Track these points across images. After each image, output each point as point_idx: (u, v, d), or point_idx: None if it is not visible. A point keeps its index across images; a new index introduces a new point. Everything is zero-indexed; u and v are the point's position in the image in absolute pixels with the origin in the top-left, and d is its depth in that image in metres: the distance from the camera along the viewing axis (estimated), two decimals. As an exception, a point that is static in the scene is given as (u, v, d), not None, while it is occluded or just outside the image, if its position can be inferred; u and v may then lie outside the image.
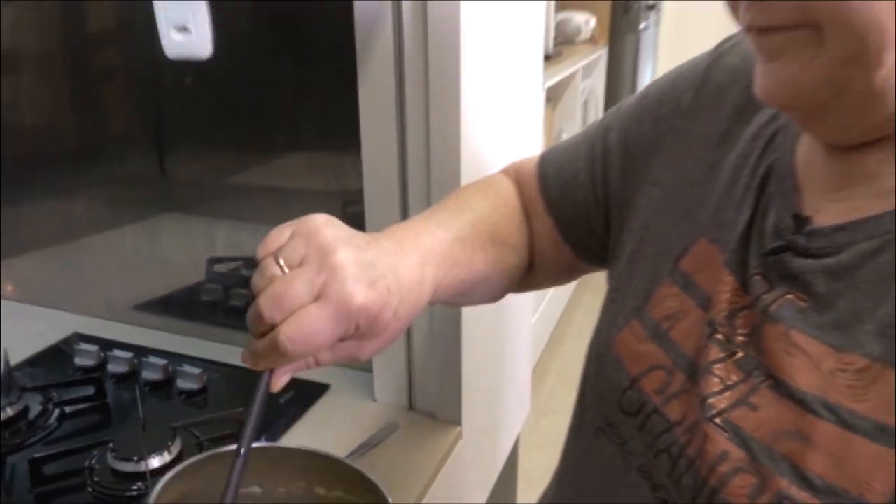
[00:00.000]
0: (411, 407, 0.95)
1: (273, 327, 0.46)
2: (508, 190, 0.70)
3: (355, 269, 0.46)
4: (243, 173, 1.17)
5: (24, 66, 1.17)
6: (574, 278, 0.74)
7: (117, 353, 1.01)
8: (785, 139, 0.51)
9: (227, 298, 1.13)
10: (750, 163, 0.52)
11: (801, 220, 0.46)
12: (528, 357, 1.37)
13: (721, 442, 0.44)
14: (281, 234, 0.49)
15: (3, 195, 1.18)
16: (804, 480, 0.39)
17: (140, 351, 1.03)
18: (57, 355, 1.06)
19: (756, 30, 0.43)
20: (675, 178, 0.57)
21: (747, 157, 0.52)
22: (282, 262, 0.47)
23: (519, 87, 1.07)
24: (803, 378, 0.42)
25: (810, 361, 0.42)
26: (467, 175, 0.83)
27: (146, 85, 1.14)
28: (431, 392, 0.93)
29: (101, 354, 1.01)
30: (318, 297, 0.46)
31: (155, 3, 0.73)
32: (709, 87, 0.58)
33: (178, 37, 0.70)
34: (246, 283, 1.15)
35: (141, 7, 0.89)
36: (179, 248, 1.21)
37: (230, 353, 1.06)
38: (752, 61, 0.50)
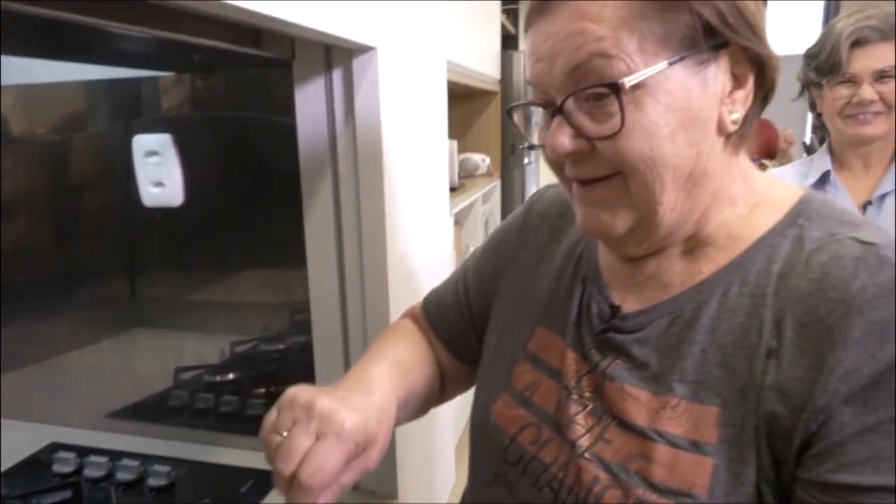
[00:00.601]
0: (354, 486, 0.91)
1: (294, 477, 0.48)
2: (413, 328, 0.75)
3: (337, 405, 0.50)
4: (205, 291, 1.14)
5: (18, 209, 1.13)
6: (470, 387, 0.77)
7: (93, 458, 0.94)
8: (590, 254, 0.59)
9: (193, 402, 1.08)
10: (568, 273, 0.60)
11: (615, 308, 0.54)
12: (452, 435, 1.36)
13: (592, 470, 0.49)
14: (271, 414, 0.52)
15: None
16: (652, 486, 0.46)
17: (114, 455, 0.96)
18: (35, 465, 0.98)
19: (580, 181, 0.49)
20: (516, 290, 0.64)
21: (565, 268, 0.60)
22: (281, 431, 0.50)
23: (432, 212, 1.11)
24: (638, 416, 0.48)
25: (641, 404, 0.49)
26: (394, 280, 0.84)
27: (121, 222, 1.12)
28: (371, 472, 0.89)
29: (78, 461, 0.94)
30: (318, 438, 0.49)
31: (136, 163, 0.73)
32: (528, 227, 0.68)
33: (154, 190, 0.71)
34: (209, 388, 1.11)
35: (118, 158, 0.88)
36: (149, 360, 1.16)
37: (196, 450, 1.00)
38: (553, 207, 0.65)
